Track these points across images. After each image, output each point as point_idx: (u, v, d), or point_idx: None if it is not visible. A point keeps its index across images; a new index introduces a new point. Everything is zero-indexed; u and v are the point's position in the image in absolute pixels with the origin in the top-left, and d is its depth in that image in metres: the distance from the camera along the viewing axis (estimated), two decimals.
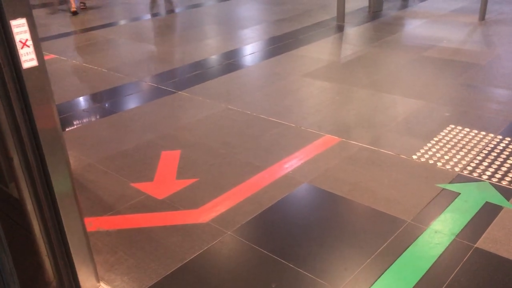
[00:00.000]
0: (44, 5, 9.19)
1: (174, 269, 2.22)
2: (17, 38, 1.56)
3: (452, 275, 2.11)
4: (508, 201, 2.62)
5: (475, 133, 3.39)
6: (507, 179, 2.82)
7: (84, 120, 3.99)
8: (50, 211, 1.82)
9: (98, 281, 2.09)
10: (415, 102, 3.98)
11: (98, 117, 4.02)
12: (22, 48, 1.57)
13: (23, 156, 1.71)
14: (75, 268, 1.94)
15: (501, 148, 3.17)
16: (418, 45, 5.57)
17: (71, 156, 3.26)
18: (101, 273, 2.19)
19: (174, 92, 4.44)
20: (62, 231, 1.87)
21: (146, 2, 9.18)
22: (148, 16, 8.13)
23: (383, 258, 2.22)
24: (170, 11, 8.38)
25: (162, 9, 8.59)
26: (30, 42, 1.58)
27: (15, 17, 1.54)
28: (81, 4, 8.52)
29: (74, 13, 8.05)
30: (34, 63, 1.61)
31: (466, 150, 3.16)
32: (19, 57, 1.58)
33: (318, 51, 5.55)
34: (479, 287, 2.04)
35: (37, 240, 1.86)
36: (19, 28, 1.55)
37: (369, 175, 2.93)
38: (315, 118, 3.76)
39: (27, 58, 1.59)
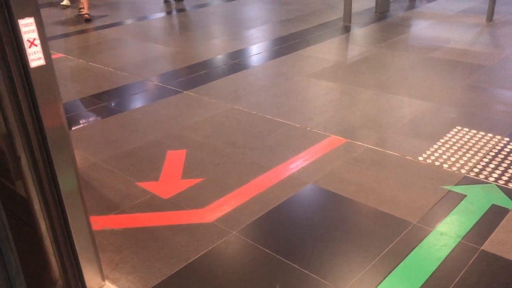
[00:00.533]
0: (51, 4, 9.22)
1: (178, 268, 2.23)
2: (25, 37, 1.56)
3: (458, 277, 2.10)
4: None
5: (481, 135, 3.37)
6: None
7: (90, 119, 4.01)
8: (56, 209, 1.83)
9: (103, 279, 2.10)
10: (421, 103, 3.96)
11: (104, 116, 4.04)
12: (30, 47, 1.58)
13: (31, 154, 1.72)
14: (80, 266, 1.95)
15: (508, 150, 3.15)
16: (425, 46, 5.55)
17: (77, 155, 3.26)
18: (106, 271, 2.19)
19: (180, 92, 4.45)
20: (68, 230, 1.88)
21: (152, 2, 9.19)
22: (154, 16, 8.15)
23: (388, 260, 2.22)
24: (177, 10, 8.39)
25: (169, 8, 8.60)
26: (37, 41, 1.59)
27: (23, 16, 1.55)
28: (81, 10, 7.80)
29: (87, 20, 7.57)
30: (42, 62, 1.62)
31: (472, 152, 3.14)
32: (27, 56, 1.58)
33: (325, 52, 5.54)
34: None
35: (43, 239, 1.87)
36: (27, 28, 1.55)
37: (375, 176, 2.92)
38: (320, 118, 3.75)
39: (35, 57, 1.60)
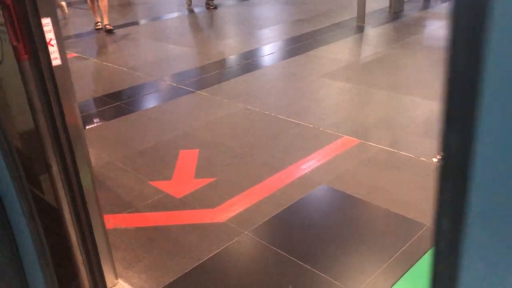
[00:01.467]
0: (66, 4, 9.30)
1: (190, 268, 2.23)
2: None
3: None
4: None
5: None
6: None
7: (104, 118, 4.04)
8: (86, 216, 1.83)
9: (116, 278, 2.11)
10: (435, 104, 3.92)
11: (117, 115, 4.07)
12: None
13: (61, 157, 1.72)
14: (102, 270, 1.96)
15: None
16: (439, 47, 5.49)
17: (91, 154, 3.29)
18: (119, 270, 2.21)
19: (193, 92, 4.47)
20: (92, 233, 1.88)
21: (165, 2, 9.24)
22: (168, 16, 8.19)
23: (401, 262, 2.20)
24: (190, 11, 8.42)
25: (183, 9, 8.63)
26: (54, 41, 1.61)
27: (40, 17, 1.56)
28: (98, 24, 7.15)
29: (110, 31, 6.81)
30: (58, 62, 1.63)
31: None
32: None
33: (338, 52, 5.51)
34: None
35: (73, 248, 1.86)
36: (44, 28, 1.57)
37: (388, 177, 2.90)
38: (333, 119, 3.74)
39: (52, 57, 1.61)
